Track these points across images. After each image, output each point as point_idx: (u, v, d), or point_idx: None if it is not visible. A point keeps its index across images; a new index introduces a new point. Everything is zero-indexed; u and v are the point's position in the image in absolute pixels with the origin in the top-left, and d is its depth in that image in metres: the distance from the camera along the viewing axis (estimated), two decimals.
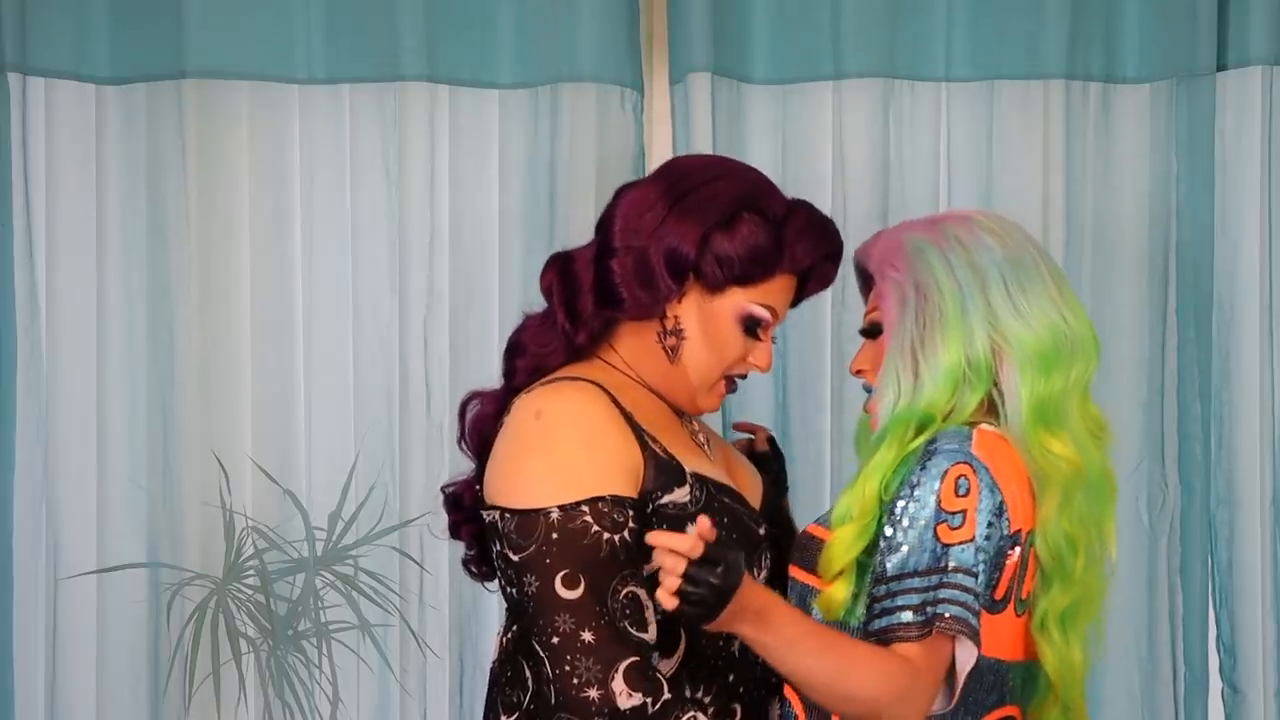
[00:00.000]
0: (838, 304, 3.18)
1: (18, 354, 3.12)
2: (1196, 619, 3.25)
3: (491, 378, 3.15)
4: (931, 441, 2.12)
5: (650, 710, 2.08)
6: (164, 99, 3.13)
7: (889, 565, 2.09)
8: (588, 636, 2.08)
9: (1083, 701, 2.25)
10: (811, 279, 2.31)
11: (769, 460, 2.51)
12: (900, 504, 2.10)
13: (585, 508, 2.11)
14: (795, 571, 2.23)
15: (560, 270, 2.30)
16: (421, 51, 3.14)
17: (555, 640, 2.09)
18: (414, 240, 3.17)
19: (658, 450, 2.19)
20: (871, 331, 2.26)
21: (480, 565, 2.37)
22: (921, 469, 2.10)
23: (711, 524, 1.95)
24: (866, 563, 2.14)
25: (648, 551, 2.07)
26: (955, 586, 2.06)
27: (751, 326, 2.27)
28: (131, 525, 3.15)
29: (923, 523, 2.08)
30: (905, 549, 2.08)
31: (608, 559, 2.10)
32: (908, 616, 2.07)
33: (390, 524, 3.18)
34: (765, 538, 2.26)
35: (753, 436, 2.54)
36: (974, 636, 2.08)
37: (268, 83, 3.17)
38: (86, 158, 3.15)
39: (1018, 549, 2.13)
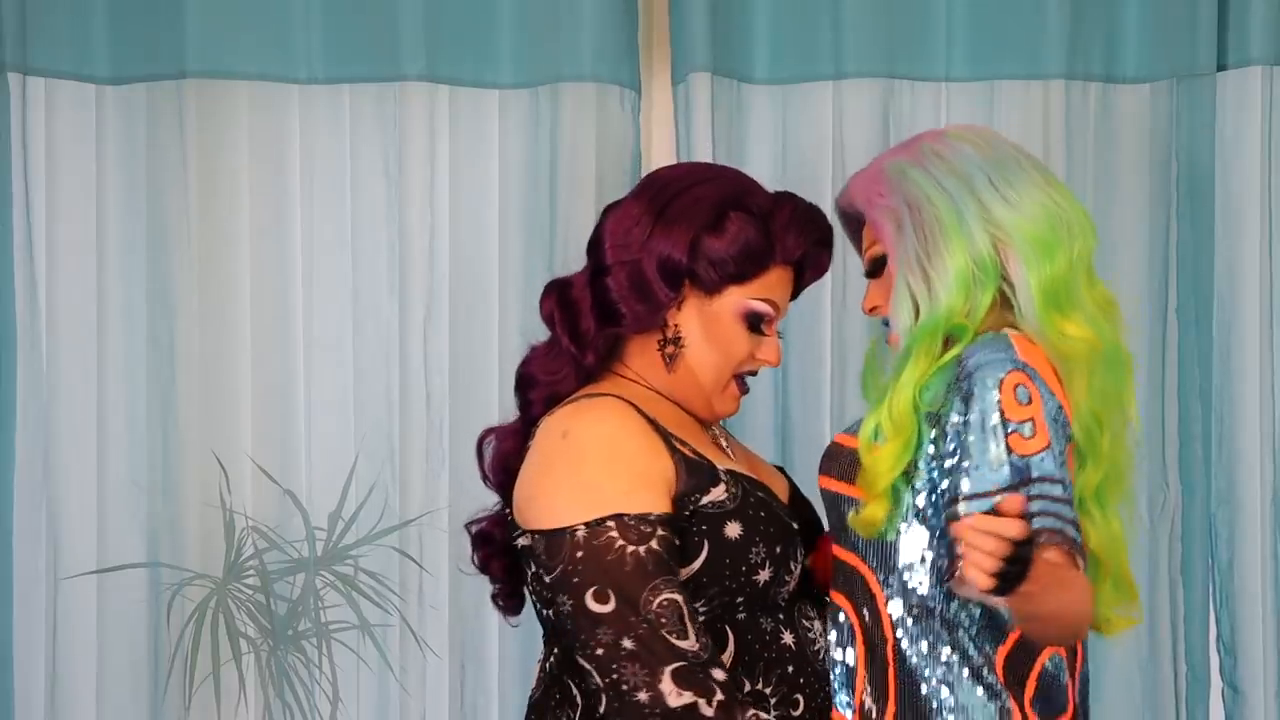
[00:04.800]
0: (838, 305, 3.18)
1: (18, 354, 3.12)
2: (1197, 619, 3.25)
3: (492, 377, 3.19)
4: (971, 353, 2.12)
5: (704, 712, 2.09)
6: (164, 99, 3.13)
7: (964, 484, 2.07)
8: (629, 644, 2.10)
9: (1129, 570, 2.28)
10: (807, 268, 2.34)
11: None
12: (956, 418, 2.09)
13: (611, 523, 2.13)
14: (826, 482, 2.24)
15: (558, 296, 2.33)
16: (421, 51, 3.14)
17: (600, 652, 2.11)
18: (414, 240, 3.17)
19: (687, 452, 2.22)
20: (876, 267, 2.27)
21: (509, 599, 2.39)
22: (971, 380, 2.09)
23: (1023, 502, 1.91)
24: (900, 485, 2.14)
25: (679, 561, 2.14)
26: (1044, 498, 2.04)
27: (755, 322, 2.30)
28: (131, 525, 3.15)
29: (992, 435, 2.06)
30: (979, 466, 2.06)
31: (633, 571, 2.11)
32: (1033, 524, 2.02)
33: (390, 524, 3.18)
34: (798, 531, 2.28)
35: None
36: (1075, 549, 2.06)
37: (268, 83, 3.17)
38: (86, 158, 3.15)
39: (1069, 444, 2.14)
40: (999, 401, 2.07)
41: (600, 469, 2.16)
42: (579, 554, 2.12)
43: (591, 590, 2.11)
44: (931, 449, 2.13)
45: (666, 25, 3.20)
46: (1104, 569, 2.24)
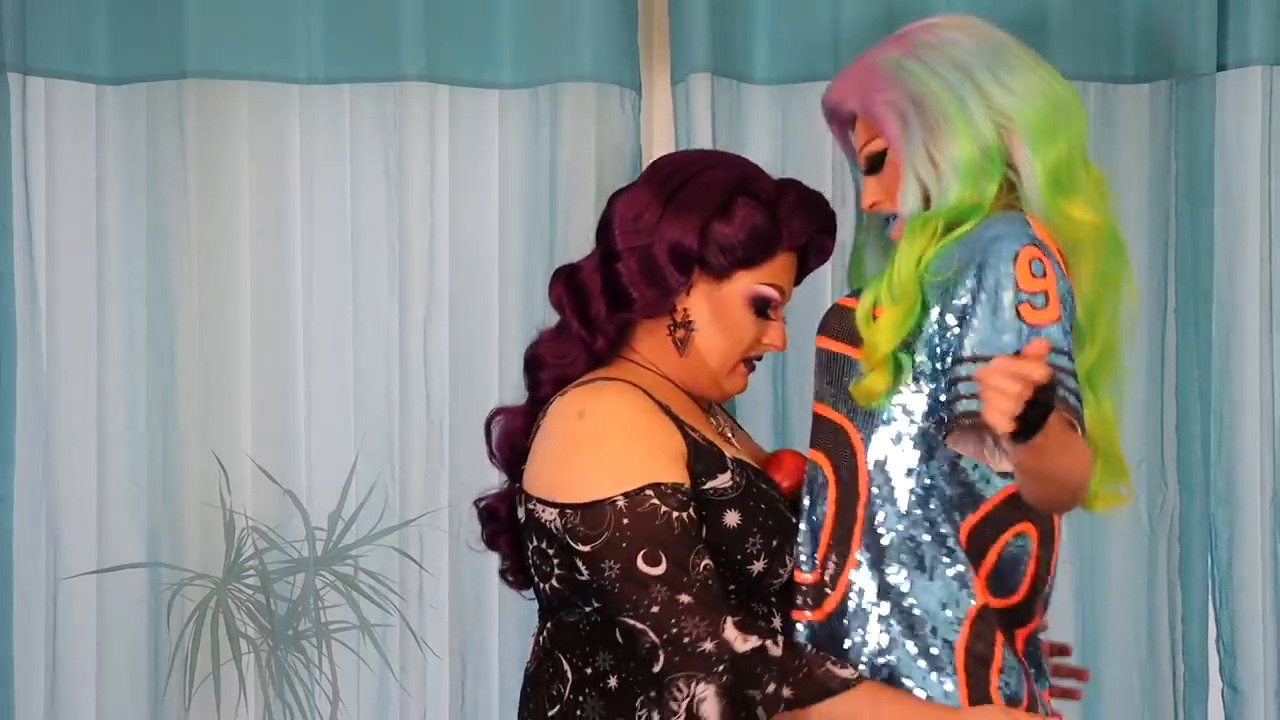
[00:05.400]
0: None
1: (18, 354, 3.12)
2: (1196, 619, 3.25)
3: (492, 377, 3.19)
4: (987, 225, 2.14)
5: (773, 652, 2.12)
6: (164, 99, 3.13)
7: (967, 343, 2.08)
8: (685, 599, 2.13)
9: (1119, 448, 2.31)
10: (811, 254, 2.38)
11: None
12: (968, 284, 2.10)
13: (649, 491, 2.17)
14: (824, 341, 2.27)
15: (567, 281, 2.36)
16: (421, 51, 3.14)
17: (655, 609, 2.14)
18: (414, 240, 3.17)
19: (697, 438, 2.26)
20: (875, 163, 2.28)
21: (518, 574, 2.41)
22: (985, 251, 2.10)
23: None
24: (902, 357, 2.17)
25: (707, 532, 2.18)
26: (1051, 366, 2.03)
27: (762, 307, 2.33)
28: (131, 525, 3.15)
29: (1003, 302, 2.08)
30: (984, 327, 2.08)
31: (681, 535, 2.16)
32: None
33: (390, 524, 3.18)
34: (795, 524, 2.29)
35: None
36: (1077, 417, 2.07)
37: (268, 83, 3.17)
38: (86, 158, 3.15)
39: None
40: (1013, 271, 2.08)
41: (626, 443, 2.20)
42: (624, 521, 2.15)
43: (642, 553, 2.14)
44: (936, 313, 2.15)
45: (666, 25, 3.20)
46: (1095, 447, 2.26)
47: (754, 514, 2.24)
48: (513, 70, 3.16)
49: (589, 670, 2.22)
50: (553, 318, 2.42)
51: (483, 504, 2.41)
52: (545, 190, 3.18)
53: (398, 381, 3.18)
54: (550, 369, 2.35)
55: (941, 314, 2.15)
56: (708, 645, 2.12)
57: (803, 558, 2.25)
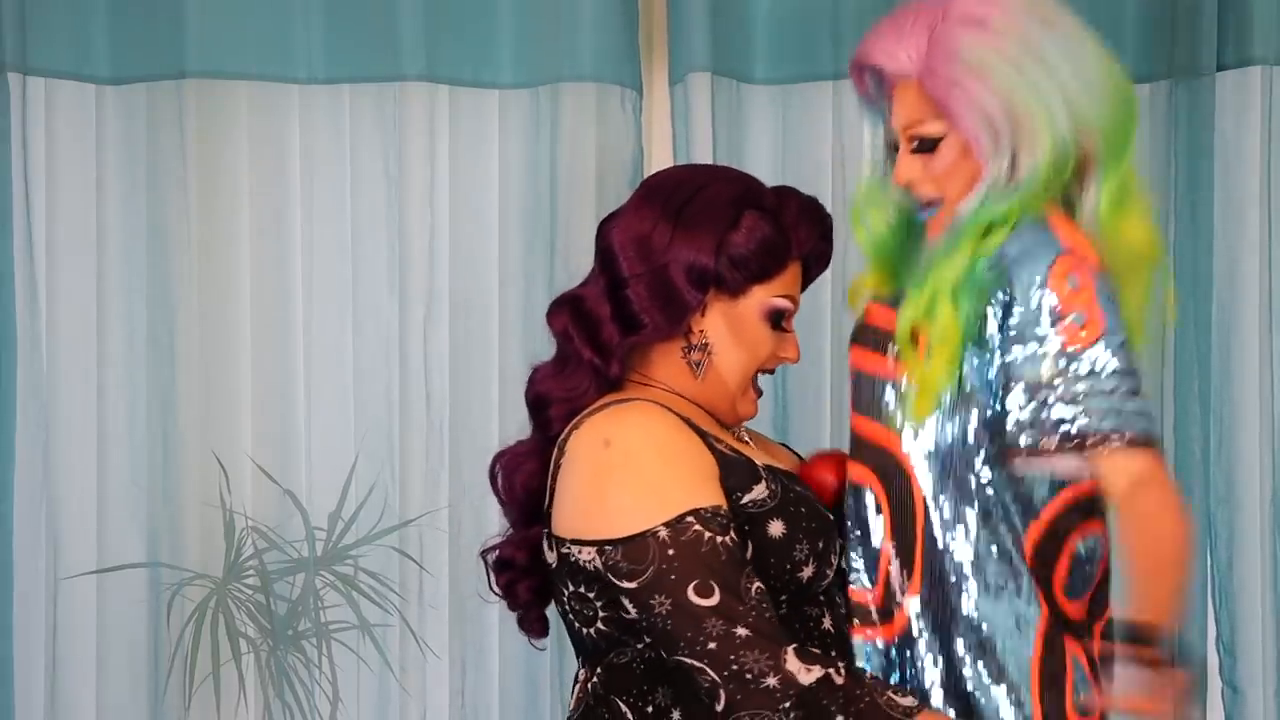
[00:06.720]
0: (838, 304, 3.18)
1: (18, 354, 3.12)
2: (1196, 619, 3.25)
3: (492, 377, 3.19)
4: (1010, 240, 2.06)
5: (838, 680, 2.06)
6: (164, 99, 3.13)
7: (1030, 373, 2.02)
8: (743, 631, 2.06)
9: None
10: (814, 261, 2.33)
11: None
12: (999, 309, 2.05)
13: (691, 518, 2.09)
14: (861, 356, 2.21)
15: (573, 311, 2.28)
16: (421, 51, 3.14)
17: (713, 645, 2.06)
18: (414, 240, 3.17)
19: (725, 450, 2.19)
20: (927, 146, 2.15)
21: (536, 622, 2.35)
22: (1016, 271, 2.04)
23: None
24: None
25: (752, 545, 2.12)
26: (1101, 394, 2.00)
27: (777, 319, 2.28)
28: (131, 525, 3.15)
29: (1046, 327, 2.01)
30: (1036, 356, 2.02)
31: (729, 560, 2.08)
32: (1084, 422, 1.99)
33: (390, 524, 3.18)
34: (834, 521, 2.25)
35: None
36: (1141, 441, 2.00)
37: (268, 83, 3.17)
38: (86, 158, 3.15)
39: None
40: (1048, 291, 2.02)
41: (660, 469, 2.13)
42: (670, 552, 2.07)
43: (693, 585, 2.06)
44: (989, 347, 2.08)
45: (665, 25, 3.21)
46: None
47: (796, 520, 2.18)
48: (513, 70, 3.17)
49: (650, 709, 2.15)
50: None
51: (494, 555, 2.32)
52: (545, 190, 3.18)
53: (398, 381, 3.18)
54: (560, 404, 2.25)
55: (977, 338, 2.08)
56: (771, 680, 2.04)
57: (865, 581, 2.18)
